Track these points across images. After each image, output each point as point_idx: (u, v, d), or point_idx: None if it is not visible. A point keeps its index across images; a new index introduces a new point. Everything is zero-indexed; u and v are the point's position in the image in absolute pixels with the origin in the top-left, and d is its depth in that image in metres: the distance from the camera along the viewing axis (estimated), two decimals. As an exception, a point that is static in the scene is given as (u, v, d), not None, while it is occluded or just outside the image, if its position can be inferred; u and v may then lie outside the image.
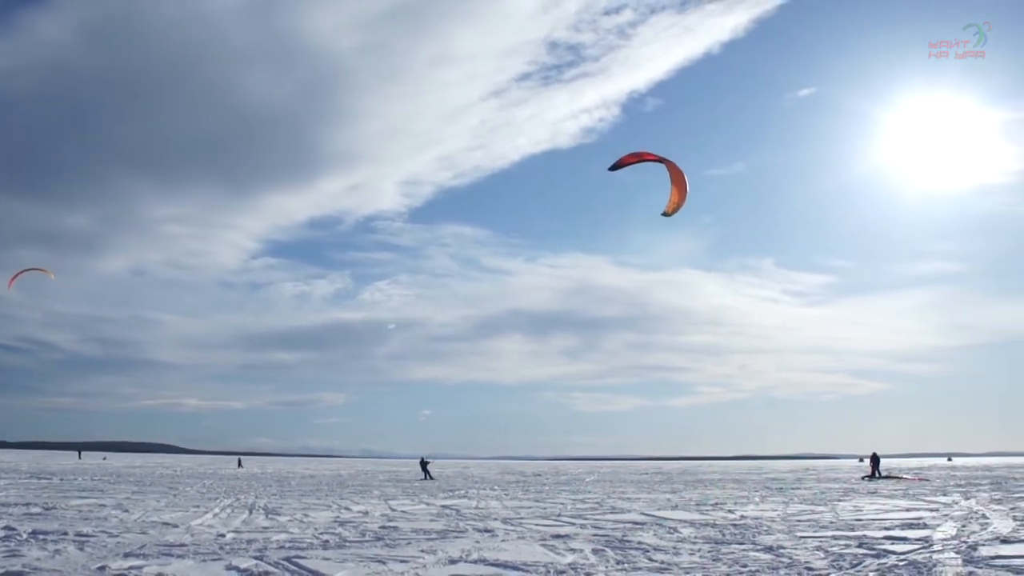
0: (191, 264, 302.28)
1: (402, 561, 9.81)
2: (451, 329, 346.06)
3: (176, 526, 14.18)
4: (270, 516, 16.83)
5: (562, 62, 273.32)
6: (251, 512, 18.05)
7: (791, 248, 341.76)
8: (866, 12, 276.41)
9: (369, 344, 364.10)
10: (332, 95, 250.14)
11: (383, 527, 14.27)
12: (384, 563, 9.66)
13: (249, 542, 11.74)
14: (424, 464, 44.84)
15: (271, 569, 9.20)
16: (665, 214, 15.94)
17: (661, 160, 15.79)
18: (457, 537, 12.54)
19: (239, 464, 67.79)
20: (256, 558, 10.01)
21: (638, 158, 15.92)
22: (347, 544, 11.61)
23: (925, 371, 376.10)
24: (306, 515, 17.07)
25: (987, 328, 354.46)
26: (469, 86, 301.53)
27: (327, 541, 11.95)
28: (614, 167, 16.12)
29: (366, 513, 17.83)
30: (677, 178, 15.70)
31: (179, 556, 10.16)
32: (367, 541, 11.99)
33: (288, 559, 9.93)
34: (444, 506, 20.50)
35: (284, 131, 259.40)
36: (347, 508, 19.52)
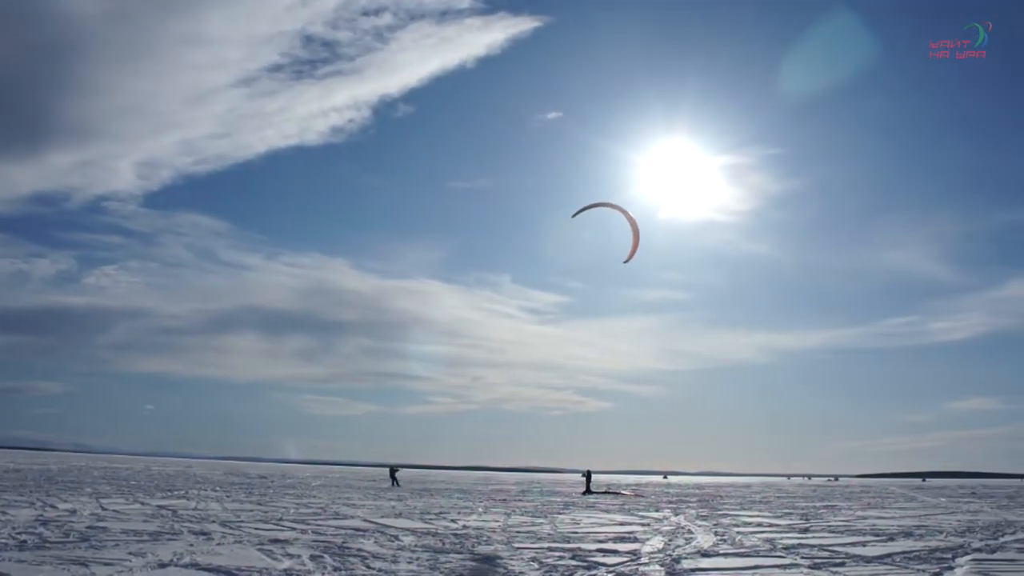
0: None
1: (107, 564, 9.61)
2: (182, 322, 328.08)
3: None
4: (-41, 512, 15.50)
5: (316, 58, 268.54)
6: (-64, 507, 16.48)
7: (529, 266, 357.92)
8: (613, 51, 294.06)
9: (91, 332, 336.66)
10: (68, 61, 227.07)
11: (90, 527, 13.75)
12: (87, 566, 9.41)
13: (-69, 541, 10.93)
14: (393, 471, 42.79)
15: (-44, 571, 8.74)
16: (624, 262, 17.73)
17: (616, 208, 17.40)
18: (170, 539, 12.41)
19: None
20: (-61, 559, 9.41)
21: (600, 205, 17.56)
22: (48, 545, 11.14)
23: (646, 392, 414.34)
24: (4, 513, 15.93)
25: (703, 355, 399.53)
26: (218, 71, 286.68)
27: (25, 541, 11.39)
28: (576, 214, 17.55)
29: (73, 512, 16.94)
30: (634, 228, 17.29)
31: None
32: (71, 542, 11.57)
33: (-23, 560, 9.42)
34: (160, 506, 19.91)
35: (9, 93, 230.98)
36: (52, 506, 18.37)
